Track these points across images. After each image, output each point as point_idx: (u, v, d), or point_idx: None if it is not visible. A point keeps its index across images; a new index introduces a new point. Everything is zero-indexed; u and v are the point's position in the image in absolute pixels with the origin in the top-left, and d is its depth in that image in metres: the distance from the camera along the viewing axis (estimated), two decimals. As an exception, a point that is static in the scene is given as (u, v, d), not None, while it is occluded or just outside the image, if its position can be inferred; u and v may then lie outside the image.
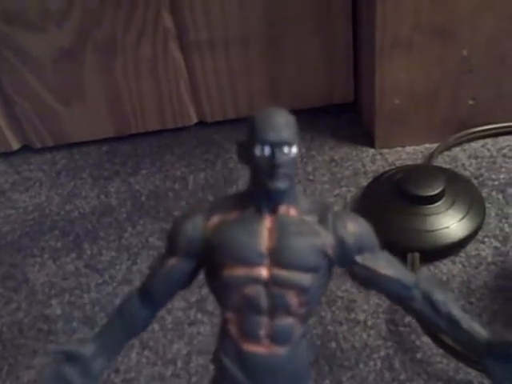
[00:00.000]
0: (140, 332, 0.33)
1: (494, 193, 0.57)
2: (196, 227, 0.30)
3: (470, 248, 0.52)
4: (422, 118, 0.62)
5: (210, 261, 0.30)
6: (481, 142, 0.63)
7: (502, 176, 0.58)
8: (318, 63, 0.67)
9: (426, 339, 0.45)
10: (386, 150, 0.64)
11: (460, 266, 0.50)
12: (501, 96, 0.61)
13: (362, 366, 0.44)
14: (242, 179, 0.64)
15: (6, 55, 0.66)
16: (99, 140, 0.73)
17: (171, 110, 0.71)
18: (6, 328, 0.52)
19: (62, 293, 0.54)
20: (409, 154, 0.63)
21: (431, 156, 0.61)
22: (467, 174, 0.59)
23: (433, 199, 0.52)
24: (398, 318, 0.47)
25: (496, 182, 0.58)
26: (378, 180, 0.58)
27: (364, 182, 0.60)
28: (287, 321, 0.29)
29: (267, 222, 0.29)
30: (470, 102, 0.61)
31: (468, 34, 0.57)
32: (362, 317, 0.47)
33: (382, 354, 0.45)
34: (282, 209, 0.29)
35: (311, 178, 0.62)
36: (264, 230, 0.29)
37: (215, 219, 0.30)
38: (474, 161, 0.61)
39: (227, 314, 0.29)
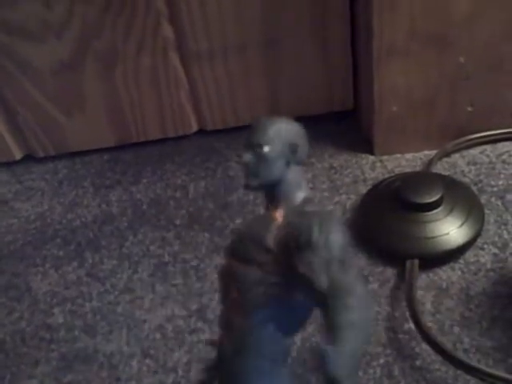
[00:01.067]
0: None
1: (493, 199, 0.57)
2: None
3: (469, 255, 0.52)
4: (421, 124, 0.62)
5: None
6: (480, 149, 0.63)
7: (501, 182, 0.58)
8: (318, 70, 0.68)
9: (425, 346, 0.45)
10: (385, 157, 0.64)
11: (459, 272, 0.51)
12: (499, 102, 0.61)
13: (361, 373, 0.44)
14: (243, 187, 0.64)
15: (7, 66, 0.66)
16: (100, 149, 0.73)
17: (172, 118, 0.71)
18: (9, 337, 0.52)
19: (64, 302, 0.55)
20: (408, 160, 0.63)
21: (430, 163, 0.61)
22: (466, 180, 0.59)
23: (432, 206, 0.52)
24: (397, 325, 0.47)
25: (495, 189, 0.58)
26: (377, 187, 0.59)
27: (363, 190, 0.60)
28: (229, 310, 0.31)
29: None
30: (469, 109, 0.61)
31: (464, 41, 0.57)
32: (361, 324, 0.48)
33: (382, 361, 0.45)
34: (271, 209, 0.31)
35: (311, 185, 0.63)
36: None
37: None
38: (473, 167, 0.61)
39: None
